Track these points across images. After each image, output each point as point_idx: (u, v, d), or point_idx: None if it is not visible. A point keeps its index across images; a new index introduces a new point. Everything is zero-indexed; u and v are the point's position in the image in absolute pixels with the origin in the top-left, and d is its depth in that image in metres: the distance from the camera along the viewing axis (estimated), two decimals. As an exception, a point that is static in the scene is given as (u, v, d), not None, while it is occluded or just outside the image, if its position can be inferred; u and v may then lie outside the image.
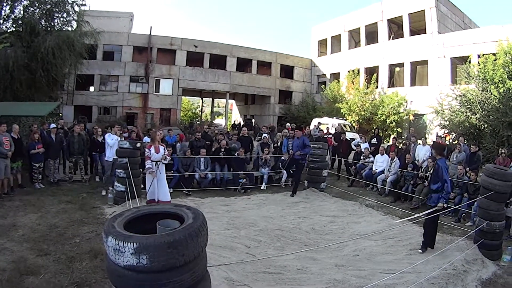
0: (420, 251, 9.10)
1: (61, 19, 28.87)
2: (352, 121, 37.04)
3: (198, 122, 49.37)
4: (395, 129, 35.28)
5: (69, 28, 29.52)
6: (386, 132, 35.52)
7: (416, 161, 16.17)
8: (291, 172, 16.19)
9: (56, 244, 8.60)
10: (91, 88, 43.90)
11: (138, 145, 12.79)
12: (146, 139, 16.27)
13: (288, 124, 25.50)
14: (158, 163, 11.15)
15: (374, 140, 20.97)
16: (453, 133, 26.17)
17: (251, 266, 7.86)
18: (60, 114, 20.17)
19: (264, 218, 11.81)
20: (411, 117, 36.22)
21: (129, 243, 4.07)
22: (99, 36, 31.57)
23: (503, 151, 14.61)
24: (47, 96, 27.25)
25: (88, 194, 13.87)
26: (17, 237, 9.03)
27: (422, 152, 16.85)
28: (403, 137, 31.72)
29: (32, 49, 25.55)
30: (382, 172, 16.20)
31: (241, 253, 8.80)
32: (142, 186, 13.08)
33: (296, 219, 11.89)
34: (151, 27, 43.49)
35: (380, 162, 16.67)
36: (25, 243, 8.63)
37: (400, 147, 18.32)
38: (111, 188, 13.13)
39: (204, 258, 4.76)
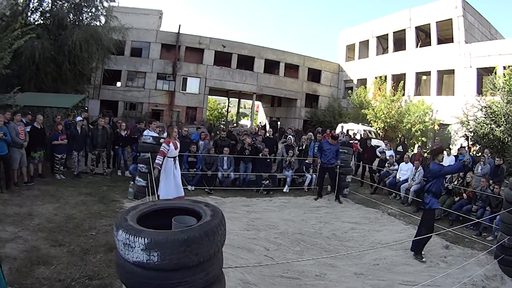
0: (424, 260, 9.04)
1: (90, 13, 29.09)
2: (378, 128, 36.57)
3: (223, 123, 49.18)
4: (419, 138, 34.68)
5: (97, 23, 29.81)
6: (410, 141, 34.70)
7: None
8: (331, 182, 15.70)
9: (71, 236, 8.49)
10: (118, 84, 44.15)
11: (162, 140, 12.45)
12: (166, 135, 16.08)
13: (319, 128, 25.31)
14: (175, 159, 10.90)
15: (399, 148, 20.71)
16: (477, 144, 25.72)
17: (268, 269, 7.65)
18: (86, 108, 20.18)
19: (285, 221, 11.61)
20: (436, 127, 35.58)
21: (140, 238, 3.85)
22: (127, 32, 31.81)
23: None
24: (73, 89, 27.51)
25: (108, 187, 13.84)
26: (32, 226, 8.97)
27: (446, 163, 16.11)
28: (427, 147, 31.38)
29: (59, 42, 25.75)
30: (406, 180, 15.84)
31: (259, 255, 8.60)
32: None
33: (317, 224, 11.66)
34: (179, 26, 43.96)
35: (405, 171, 16.31)
36: (40, 232, 8.58)
37: (425, 156, 18.02)
38: (132, 182, 13.08)
39: (220, 259, 4.53)
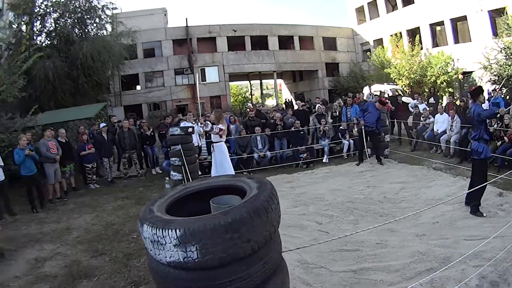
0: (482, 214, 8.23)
1: (95, 24, 28.91)
2: (403, 86, 35.75)
3: (250, 104, 48.85)
4: (446, 90, 33.94)
5: (104, 32, 29.67)
6: (438, 94, 33.70)
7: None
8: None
9: (112, 243, 8.22)
10: (138, 87, 44.16)
11: (190, 130, 12.17)
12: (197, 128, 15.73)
13: (349, 94, 24.76)
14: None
15: (431, 100, 20.01)
16: (503, 88, 24.87)
17: (325, 245, 7.05)
18: (114, 116, 20.05)
19: (332, 191, 11.08)
20: (460, 76, 34.74)
21: (170, 231, 3.22)
22: (136, 35, 31.61)
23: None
24: (94, 101, 27.10)
25: (144, 187, 13.69)
26: (71, 240, 8.85)
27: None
28: (455, 97, 30.55)
29: (70, 57, 25.68)
30: (444, 132, 15.25)
31: (313, 231, 8.08)
32: (200, 173, 12.85)
33: (366, 189, 11.15)
34: (186, 19, 43.87)
35: (441, 122, 15.60)
36: (79, 245, 8.45)
37: (458, 104, 17.46)
38: (167, 178, 12.79)
39: (277, 242, 4.00)
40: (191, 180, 10.32)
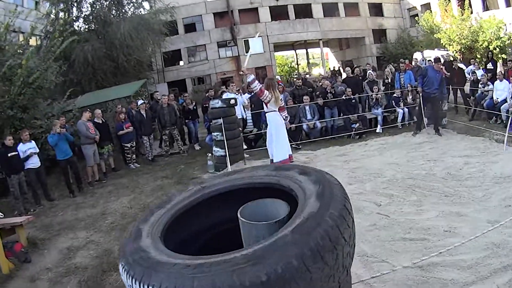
0: None
1: (131, 4, 29.00)
2: (454, 51, 34.40)
3: (295, 76, 48.37)
4: (499, 56, 32.58)
5: (142, 11, 29.85)
6: (495, 59, 32.61)
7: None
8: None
9: None
10: (181, 62, 44.11)
11: (233, 101, 11.59)
12: (247, 96, 15.39)
13: (402, 59, 23.88)
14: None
15: (489, 66, 18.56)
16: None
17: (386, 231, 6.30)
18: (157, 92, 19.91)
19: (390, 166, 10.22)
20: None
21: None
22: (175, 11, 31.50)
23: None
24: (136, 79, 27.20)
25: (186, 165, 13.23)
26: (105, 226, 8.65)
27: None
28: (508, 63, 29.42)
29: (108, 39, 25.73)
30: (505, 100, 13.95)
31: (370, 214, 7.14)
32: (245, 147, 12.86)
33: (426, 163, 10.19)
34: (226, -9, 42.68)
35: (501, 90, 14.25)
36: (113, 231, 8.20)
37: None
38: (210, 154, 12.19)
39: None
40: (229, 162, 9.92)
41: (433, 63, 13.79)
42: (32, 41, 18.92)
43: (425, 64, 20.21)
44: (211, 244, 3.47)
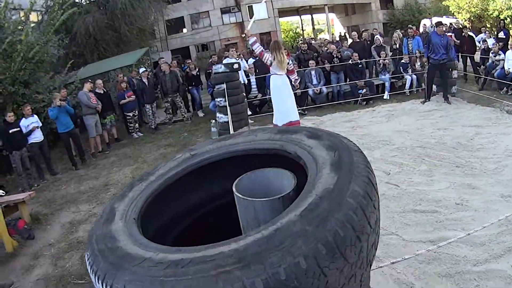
0: None
1: None
2: (463, 19, 33.67)
3: (301, 41, 48.32)
4: (510, 26, 32.21)
5: None
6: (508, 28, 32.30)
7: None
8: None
9: None
10: (184, 30, 43.89)
11: (236, 66, 11.29)
12: (251, 61, 15.25)
13: (410, 25, 23.67)
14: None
15: (501, 35, 18.04)
16: None
17: (395, 202, 6.12)
18: (162, 58, 19.69)
19: (398, 133, 10.04)
20: None
21: None
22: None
23: None
24: (139, 48, 26.86)
25: (189, 132, 13.10)
26: (108, 198, 8.51)
27: None
28: None
29: (109, 9, 25.46)
30: None
31: (380, 183, 6.44)
32: (250, 113, 12.72)
33: (436, 132, 9.99)
34: (230, -45, 42.21)
35: None
36: None
37: None
38: (213, 120, 11.94)
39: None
40: (232, 128, 9.64)
41: (436, 27, 13.45)
42: (33, 17, 18.79)
43: (433, 29, 19.86)
44: (201, 225, 3.17)
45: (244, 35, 9.05)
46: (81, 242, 6.71)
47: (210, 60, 16.86)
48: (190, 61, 18.07)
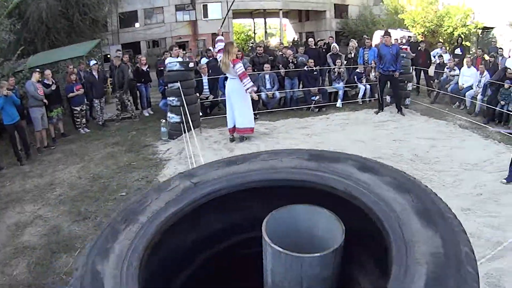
0: None
1: None
2: (417, 33, 34.24)
3: (251, 45, 48.36)
4: (463, 43, 33.04)
5: None
6: (452, 45, 33.03)
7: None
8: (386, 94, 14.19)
9: (97, 202, 7.23)
10: (137, 24, 42.86)
11: (191, 65, 11.18)
12: (204, 60, 15.12)
13: (365, 36, 23.80)
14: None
15: (457, 51, 18.72)
16: None
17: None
18: (109, 56, 19.29)
19: (355, 143, 10.14)
20: (479, 31, 34.00)
21: None
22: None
23: None
24: (90, 39, 26.33)
25: (138, 131, 12.65)
26: (53, 198, 7.99)
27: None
28: (471, 52, 29.62)
29: None
30: (471, 87, 14.19)
31: None
32: (201, 113, 12.45)
33: (392, 143, 10.32)
34: (189, -50, 41.86)
35: (468, 76, 14.41)
36: (62, 205, 7.56)
37: (487, 59, 16.19)
38: (163, 120, 11.62)
39: None
40: (191, 123, 9.26)
41: (383, 38, 13.80)
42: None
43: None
44: (205, 276, 2.26)
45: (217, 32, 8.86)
46: (27, 248, 6.31)
47: (163, 57, 16.58)
48: (140, 56, 17.50)
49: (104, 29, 33.11)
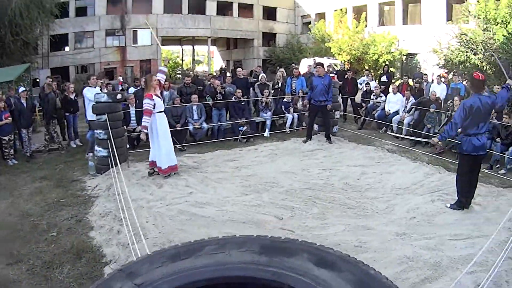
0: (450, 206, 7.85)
1: None
2: (343, 61, 35.30)
3: (179, 72, 48.16)
4: (389, 70, 33.95)
5: None
6: (378, 72, 33.51)
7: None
8: (315, 124, 14.26)
9: (29, 243, 6.75)
10: (67, 48, 41.76)
11: (119, 96, 10.90)
12: (132, 90, 15.01)
13: (293, 64, 24.01)
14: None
15: (383, 78, 19.70)
16: (451, 73, 24.73)
17: (295, 248, 5.99)
18: (37, 80, 18.79)
19: (285, 174, 10.06)
20: (403, 57, 35.67)
21: None
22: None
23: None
24: (20, 62, 25.79)
25: (66, 164, 12.02)
26: None
27: (438, 91, 15.27)
28: (395, 77, 31.23)
29: None
30: (397, 112, 14.86)
31: (274, 229, 6.76)
32: (128, 146, 12.04)
33: (323, 173, 10.26)
34: (124, -25, 41.51)
35: (394, 102, 15.20)
36: None
37: (412, 85, 17.13)
38: (91, 154, 11.32)
39: None
40: (117, 158, 9.22)
41: (315, 68, 13.98)
42: None
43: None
44: None
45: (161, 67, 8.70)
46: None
47: (86, 83, 15.75)
48: (69, 83, 16.77)
49: (35, 51, 32.34)
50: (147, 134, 9.36)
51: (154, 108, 9.16)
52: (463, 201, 7.74)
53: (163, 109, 9.57)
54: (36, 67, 30.79)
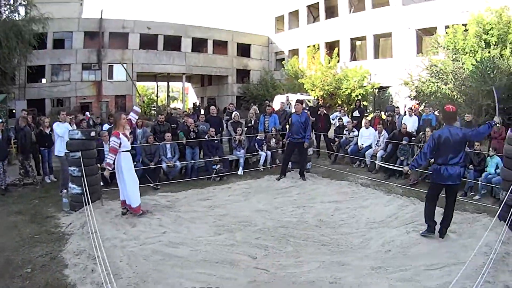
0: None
1: (8, 6, 27.44)
2: (316, 96, 35.71)
3: (154, 108, 48.26)
4: (361, 104, 34.37)
5: (16, 15, 28.26)
6: (351, 106, 34.34)
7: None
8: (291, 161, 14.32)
9: (4, 280, 6.67)
10: (43, 80, 41.59)
11: (93, 134, 10.86)
12: (106, 127, 14.93)
13: (266, 101, 24.21)
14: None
15: (356, 113, 19.96)
16: (423, 104, 25.43)
17: (268, 287, 6.11)
18: (14, 111, 18.67)
19: (258, 213, 10.10)
20: (376, 91, 36.17)
21: None
22: (48, 23, 30.04)
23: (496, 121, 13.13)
24: None
25: (40, 199, 11.87)
26: None
27: (410, 123, 15.81)
28: (368, 110, 31.91)
29: None
30: (370, 146, 15.16)
31: (247, 268, 6.81)
32: (102, 183, 11.71)
33: (296, 210, 10.30)
34: (102, 11, 42.18)
35: (366, 136, 15.57)
36: None
37: (384, 118, 17.39)
38: (64, 191, 11.14)
39: None
40: (89, 196, 9.22)
41: (295, 105, 14.12)
42: None
43: (289, 108, 20.69)
44: None
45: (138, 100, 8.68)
46: None
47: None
48: (44, 117, 16.85)
49: (12, 82, 32.20)
50: (111, 172, 9.40)
51: (119, 147, 9.21)
52: (431, 225, 7.94)
53: (129, 149, 9.61)
54: (13, 98, 30.92)
